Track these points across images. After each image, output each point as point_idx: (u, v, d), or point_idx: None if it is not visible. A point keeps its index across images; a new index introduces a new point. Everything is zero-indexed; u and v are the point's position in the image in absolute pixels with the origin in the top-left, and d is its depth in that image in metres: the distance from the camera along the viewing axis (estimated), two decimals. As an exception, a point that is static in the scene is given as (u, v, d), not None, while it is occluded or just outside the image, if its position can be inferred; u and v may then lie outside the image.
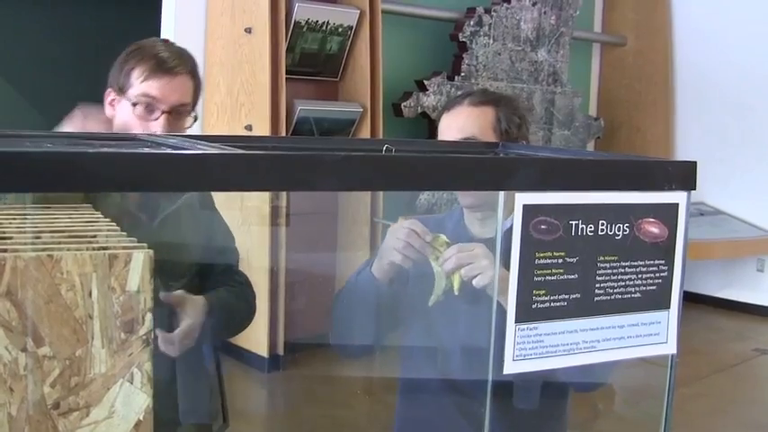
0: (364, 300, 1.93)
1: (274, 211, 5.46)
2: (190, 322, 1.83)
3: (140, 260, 0.91)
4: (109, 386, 0.92)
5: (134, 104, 1.91)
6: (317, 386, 4.43)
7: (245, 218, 5.66)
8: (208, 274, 2.03)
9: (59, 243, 0.95)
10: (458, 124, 1.96)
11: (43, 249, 0.90)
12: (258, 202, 5.51)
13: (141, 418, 0.93)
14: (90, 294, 0.90)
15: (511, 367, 1.15)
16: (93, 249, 0.91)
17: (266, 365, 5.48)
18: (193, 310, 1.85)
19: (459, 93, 2.06)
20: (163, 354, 1.74)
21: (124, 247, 0.93)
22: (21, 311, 0.87)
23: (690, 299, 7.18)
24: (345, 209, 4.73)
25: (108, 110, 1.98)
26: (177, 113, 1.95)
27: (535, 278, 1.14)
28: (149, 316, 0.92)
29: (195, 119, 1.98)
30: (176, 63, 1.95)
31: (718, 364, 6.35)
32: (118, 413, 0.92)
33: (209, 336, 1.98)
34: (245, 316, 2.18)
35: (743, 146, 7.31)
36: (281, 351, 5.50)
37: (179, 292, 1.85)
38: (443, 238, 1.78)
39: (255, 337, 5.53)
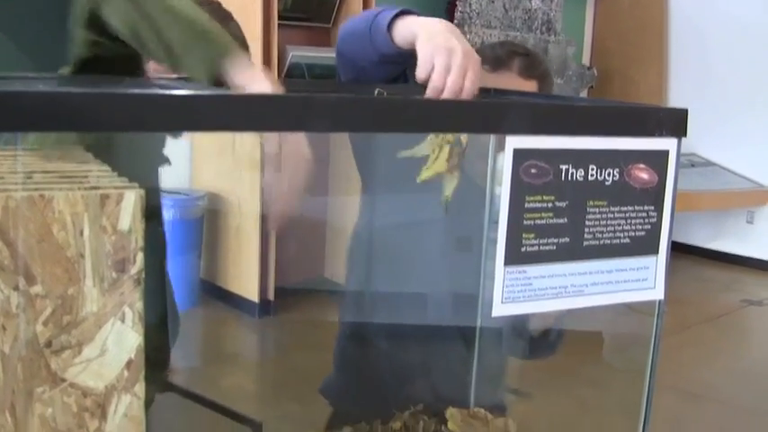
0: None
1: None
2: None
3: (132, 200, 0.91)
4: (101, 325, 0.92)
5: None
6: (308, 331, 4.45)
7: (237, 163, 5.67)
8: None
9: (51, 183, 0.95)
10: None
11: (35, 189, 0.90)
12: (250, 147, 5.52)
13: (132, 357, 0.94)
14: (82, 234, 0.90)
15: (499, 310, 1.16)
16: (85, 189, 0.92)
17: (257, 310, 5.50)
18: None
19: (501, 48, 1.87)
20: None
21: (115, 187, 0.93)
22: (13, 250, 0.88)
23: (679, 249, 7.22)
24: (336, 154, 4.74)
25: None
26: None
27: (524, 221, 1.15)
28: (140, 255, 0.92)
29: None
30: None
31: (705, 314, 6.40)
32: (109, 352, 0.93)
33: None
34: None
35: (736, 98, 7.30)
36: (271, 296, 5.52)
37: None
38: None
39: (246, 282, 5.55)
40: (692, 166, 7.42)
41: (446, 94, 1.39)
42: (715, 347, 5.89)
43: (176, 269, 5.60)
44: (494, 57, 1.91)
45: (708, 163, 7.67)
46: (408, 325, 1.84)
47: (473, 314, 1.76)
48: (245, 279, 5.55)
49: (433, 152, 1.56)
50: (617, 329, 4.18)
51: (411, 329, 1.84)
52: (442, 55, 1.40)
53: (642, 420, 1.39)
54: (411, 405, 1.69)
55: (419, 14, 1.52)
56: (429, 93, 1.40)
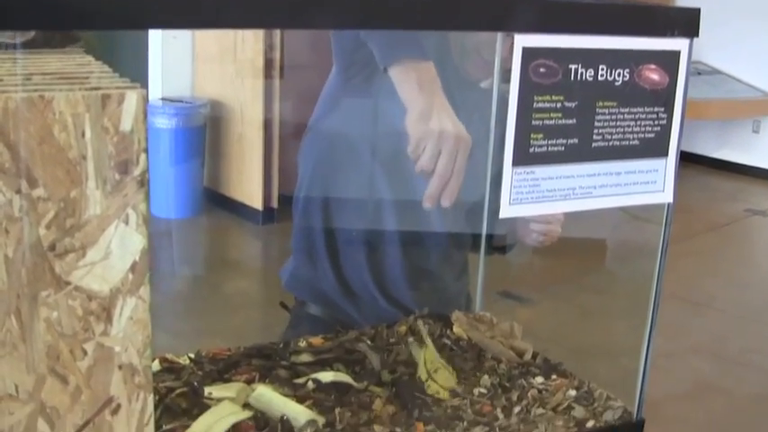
0: None
1: (268, 64, 5.40)
2: None
3: (134, 100, 0.90)
4: (104, 227, 0.91)
5: None
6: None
7: (239, 70, 5.62)
8: None
9: (51, 84, 0.93)
10: None
11: (35, 90, 0.89)
12: (252, 54, 5.47)
13: (137, 260, 0.94)
14: (83, 135, 0.88)
15: (507, 211, 1.16)
16: (86, 90, 0.90)
17: (260, 218, 5.52)
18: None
19: None
20: None
21: (117, 88, 0.91)
22: (14, 153, 0.86)
23: (685, 158, 7.20)
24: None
25: None
26: None
27: (533, 122, 1.14)
28: (143, 157, 0.91)
29: None
30: None
31: (709, 223, 6.43)
32: (114, 254, 0.92)
33: None
34: None
35: (744, 5, 7.21)
36: (275, 203, 5.53)
37: None
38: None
39: (249, 190, 5.56)
40: (699, 74, 7.37)
41: (435, 179, 1.42)
42: (718, 256, 5.92)
43: (179, 177, 5.62)
44: None
45: (714, 71, 7.62)
46: (378, 229, 1.83)
47: (473, 221, 1.75)
48: (249, 187, 5.55)
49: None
50: (620, 237, 4.20)
51: (380, 232, 1.84)
52: (432, 140, 1.43)
53: (648, 327, 1.39)
54: (416, 309, 1.70)
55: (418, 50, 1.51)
56: (417, 172, 1.44)
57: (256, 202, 5.51)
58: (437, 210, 1.70)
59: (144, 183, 0.92)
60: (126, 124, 0.90)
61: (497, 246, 1.86)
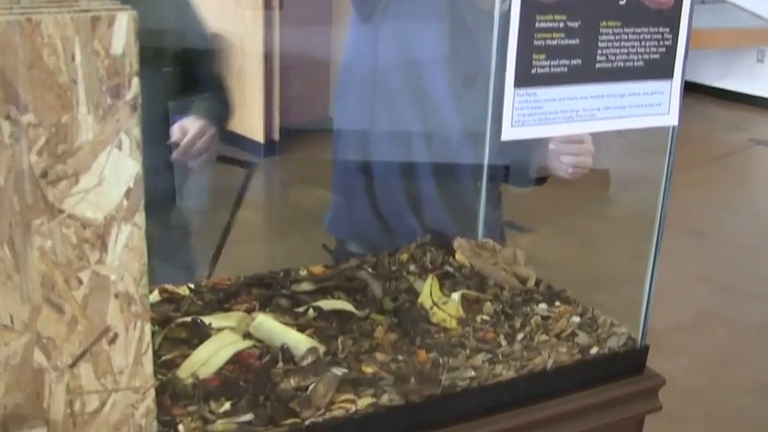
0: None
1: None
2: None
3: (124, 22, 0.87)
4: (97, 153, 0.89)
5: None
6: (314, 170, 4.45)
7: (239, 1, 5.56)
8: (186, 66, 1.97)
9: (40, 8, 0.91)
10: None
11: (22, 14, 0.86)
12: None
13: (131, 186, 0.92)
14: (73, 59, 0.86)
15: (509, 133, 1.13)
16: (75, 12, 0.87)
17: (262, 151, 5.50)
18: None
19: None
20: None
21: (107, 10, 0.89)
22: (2, 78, 0.84)
23: (688, 88, 7.13)
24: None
25: None
26: None
27: (535, 42, 1.11)
28: (136, 80, 0.89)
29: None
30: None
31: (712, 153, 6.41)
32: (107, 181, 0.91)
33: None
34: (227, 117, 2.14)
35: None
36: (276, 136, 5.51)
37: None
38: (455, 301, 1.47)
39: (250, 123, 5.54)
40: (703, 2, 7.29)
41: None
42: (720, 187, 5.91)
43: (179, 111, 5.59)
44: None
45: (718, 0, 7.53)
46: (410, 162, 1.83)
47: (473, 150, 1.74)
48: (250, 120, 5.53)
49: None
50: (622, 167, 4.18)
51: (413, 165, 1.84)
52: None
53: (653, 254, 1.38)
54: (418, 237, 1.68)
55: None
56: None
57: (258, 135, 5.49)
58: (470, 140, 1.69)
59: (136, 107, 0.90)
60: (117, 47, 0.87)
61: (536, 177, 1.86)
